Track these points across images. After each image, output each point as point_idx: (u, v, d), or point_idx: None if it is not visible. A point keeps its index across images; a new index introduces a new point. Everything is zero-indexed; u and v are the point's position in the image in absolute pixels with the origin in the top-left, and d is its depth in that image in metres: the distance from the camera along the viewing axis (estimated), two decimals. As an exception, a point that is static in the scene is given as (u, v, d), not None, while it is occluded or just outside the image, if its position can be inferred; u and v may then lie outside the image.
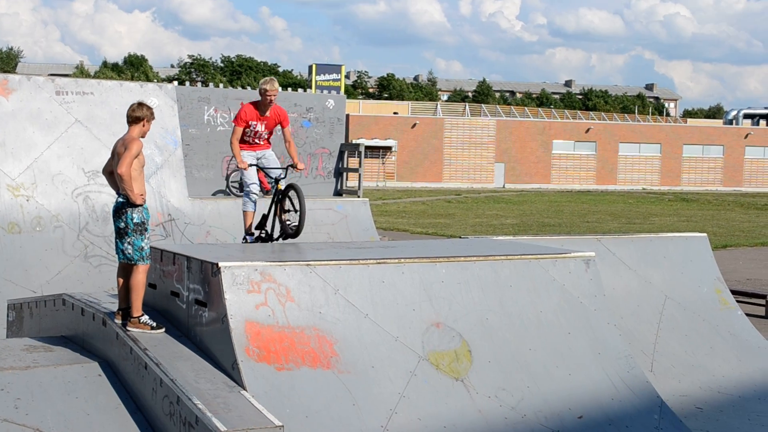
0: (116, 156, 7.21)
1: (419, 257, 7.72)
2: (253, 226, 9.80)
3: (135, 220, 7.17)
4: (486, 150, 62.10)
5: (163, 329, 7.23)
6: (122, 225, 7.20)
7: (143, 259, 7.21)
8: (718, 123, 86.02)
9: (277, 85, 9.40)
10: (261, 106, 9.61)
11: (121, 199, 7.20)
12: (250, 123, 9.55)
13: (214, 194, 17.49)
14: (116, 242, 7.30)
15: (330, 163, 18.88)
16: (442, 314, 7.42)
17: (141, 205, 7.20)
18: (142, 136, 7.34)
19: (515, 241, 9.80)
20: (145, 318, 7.19)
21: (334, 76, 68.03)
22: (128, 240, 7.18)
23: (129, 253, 7.19)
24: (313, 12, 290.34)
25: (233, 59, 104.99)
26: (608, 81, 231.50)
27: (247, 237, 9.80)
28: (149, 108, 7.38)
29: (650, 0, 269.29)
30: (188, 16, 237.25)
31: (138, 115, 7.28)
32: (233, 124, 9.67)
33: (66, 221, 13.77)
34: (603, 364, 7.79)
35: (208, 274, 6.89)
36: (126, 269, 7.29)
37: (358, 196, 18.43)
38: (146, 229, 7.23)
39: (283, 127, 9.90)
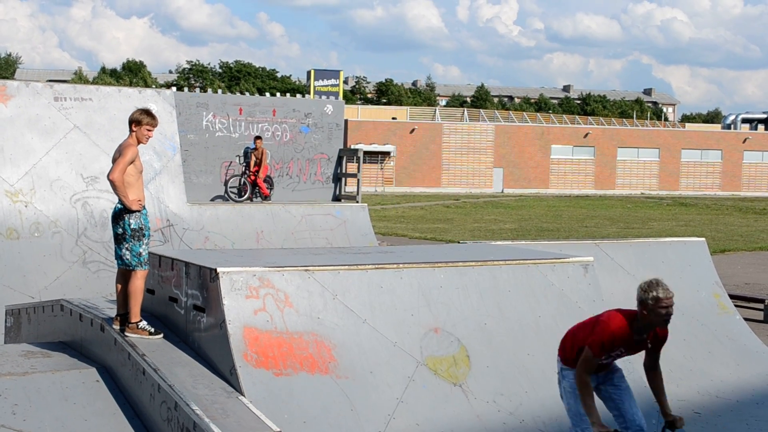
0: (113, 162, 7.21)
1: (418, 262, 7.72)
2: None
3: (132, 226, 7.16)
4: (484, 155, 62.12)
5: (161, 335, 7.23)
6: (120, 231, 7.20)
7: (141, 264, 7.20)
8: (716, 128, 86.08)
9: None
10: (642, 324, 5.89)
11: (119, 205, 7.19)
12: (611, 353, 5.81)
13: (212, 200, 17.50)
14: (115, 248, 7.30)
15: (329, 169, 18.90)
16: (441, 319, 7.42)
17: (138, 211, 7.19)
18: (143, 142, 7.28)
19: (514, 246, 9.80)
20: (144, 323, 7.19)
21: (332, 81, 68.00)
22: (126, 246, 7.18)
23: (127, 259, 7.19)
24: (310, 18, 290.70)
25: (232, 65, 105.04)
26: (606, 86, 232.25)
27: None
28: (144, 112, 7.28)
29: (647, 5, 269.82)
30: (186, 21, 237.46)
31: (130, 119, 7.25)
32: (590, 353, 5.70)
33: (64, 227, 13.77)
34: (601, 368, 7.78)
35: (206, 279, 6.89)
36: (125, 275, 7.28)
37: (357, 201, 18.45)
38: (144, 235, 7.22)
39: (655, 351, 6.14)
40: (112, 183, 7.05)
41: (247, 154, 17.91)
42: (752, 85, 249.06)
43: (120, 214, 7.18)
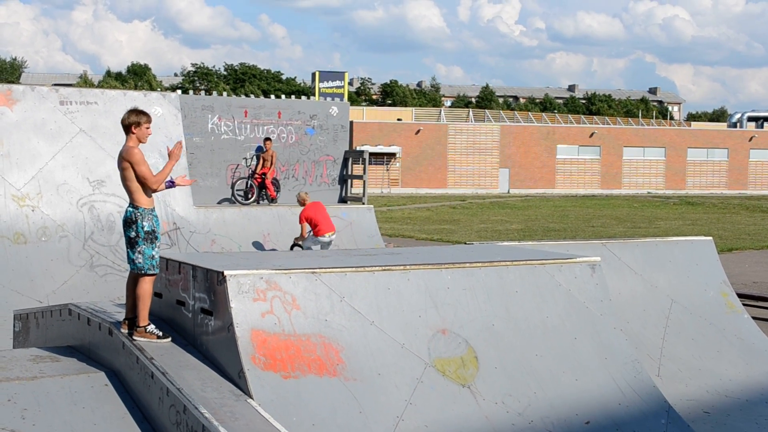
0: (121, 170, 7.20)
1: (424, 264, 7.71)
2: None
3: (146, 228, 7.16)
4: (490, 155, 62.08)
5: (170, 338, 7.23)
6: (133, 234, 7.19)
7: (154, 267, 7.20)
8: (722, 126, 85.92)
9: None
10: None
11: (131, 209, 7.20)
12: None
13: (219, 203, 17.52)
14: (127, 252, 7.28)
15: (334, 170, 18.90)
16: (448, 320, 7.41)
17: (151, 212, 7.19)
18: (144, 141, 7.30)
19: (520, 247, 9.79)
20: (152, 327, 7.19)
21: (337, 83, 68.08)
22: (139, 249, 7.17)
23: (140, 262, 7.17)
24: (311, 19, 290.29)
25: (236, 67, 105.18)
26: (610, 85, 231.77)
27: None
28: (138, 112, 7.28)
29: (648, 3, 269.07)
30: (187, 24, 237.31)
31: (126, 123, 7.25)
32: None
33: (71, 231, 13.80)
34: (610, 368, 7.78)
35: (213, 282, 6.89)
36: (135, 279, 7.28)
37: (363, 203, 18.45)
38: (157, 238, 7.22)
39: None
40: (155, 190, 7.18)
41: (257, 156, 17.94)
42: (756, 83, 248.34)
43: (132, 218, 7.19)
